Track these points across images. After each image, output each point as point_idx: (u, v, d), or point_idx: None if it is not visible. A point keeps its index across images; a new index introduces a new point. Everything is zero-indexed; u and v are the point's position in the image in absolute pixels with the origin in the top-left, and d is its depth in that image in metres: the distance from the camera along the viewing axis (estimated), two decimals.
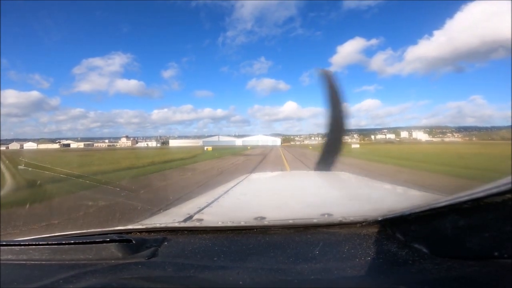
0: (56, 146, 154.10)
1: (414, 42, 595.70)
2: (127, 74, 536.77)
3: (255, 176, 2.18)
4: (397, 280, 0.45)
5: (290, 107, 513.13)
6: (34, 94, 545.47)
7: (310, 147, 56.38)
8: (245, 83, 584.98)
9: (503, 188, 0.38)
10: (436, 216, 0.50)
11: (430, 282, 0.43)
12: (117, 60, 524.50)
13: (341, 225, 0.68)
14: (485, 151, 22.25)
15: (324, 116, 2.46)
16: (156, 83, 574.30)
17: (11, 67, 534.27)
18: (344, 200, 1.06)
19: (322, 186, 1.60)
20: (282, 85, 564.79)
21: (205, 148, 47.78)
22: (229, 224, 0.73)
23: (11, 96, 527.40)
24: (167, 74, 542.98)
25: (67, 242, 0.65)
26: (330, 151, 2.42)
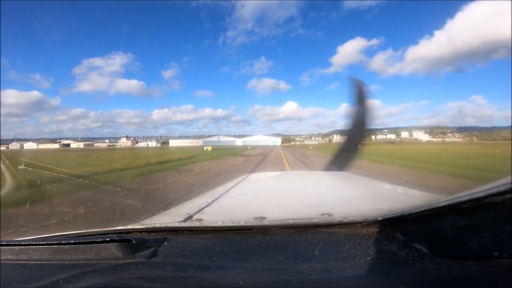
0: (56, 146, 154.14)
1: (414, 42, 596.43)
2: (127, 74, 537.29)
3: (255, 176, 2.18)
4: (397, 280, 0.45)
5: (290, 107, 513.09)
6: (35, 94, 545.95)
7: (311, 147, 56.41)
8: (246, 83, 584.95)
9: (503, 188, 0.38)
10: (436, 216, 0.50)
11: (430, 282, 0.43)
12: (117, 60, 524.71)
13: (341, 225, 0.68)
14: (490, 152, 21.89)
15: (346, 115, 2.46)
16: (157, 83, 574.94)
17: (12, 67, 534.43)
18: (344, 200, 1.05)
19: (322, 186, 1.60)
20: (283, 85, 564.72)
21: (205, 148, 47.73)
22: (229, 224, 0.73)
23: (12, 96, 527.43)
24: (167, 74, 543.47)
25: (67, 242, 0.65)
26: (349, 151, 2.41)
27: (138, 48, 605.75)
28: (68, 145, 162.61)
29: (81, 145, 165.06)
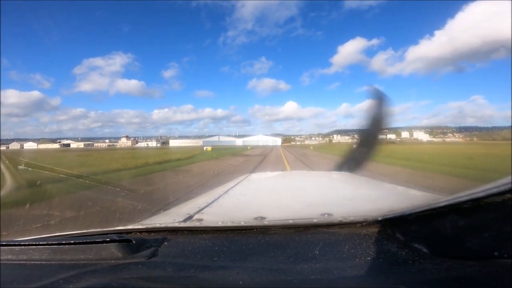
0: (56, 146, 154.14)
1: (415, 42, 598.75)
2: (127, 74, 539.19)
3: (255, 176, 2.18)
4: (397, 280, 0.45)
5: (290, 107, 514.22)
6: (35, 94, 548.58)
7: (311, 147, 56.33)
8: (246, 83, 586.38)
9: (503, 188, 0.38)
10: (436, 216, 0.50)
11: (430, 282, 0.43)
12: (117, 60, 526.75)
13: (341, 225, 0.68)
14: (490, 152, 21.80)
15: (363, 117, 2.44)
16: (157, 83, 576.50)
17: (12, 67, 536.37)
18: (344, 200, 1.05)
19: (322, 186, 1.59)
20: (283, 85, 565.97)
21: (205, 148, 47.65)
22: (229, 224, 0.73)
23: (12, 96, 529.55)
24: (167, 74, 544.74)
25: (67, 242, 0.65)
26: (363, 153, 2.40)
27: (138, 48, 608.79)
28: (68, 145, 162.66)
29: (81, 145, 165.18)
